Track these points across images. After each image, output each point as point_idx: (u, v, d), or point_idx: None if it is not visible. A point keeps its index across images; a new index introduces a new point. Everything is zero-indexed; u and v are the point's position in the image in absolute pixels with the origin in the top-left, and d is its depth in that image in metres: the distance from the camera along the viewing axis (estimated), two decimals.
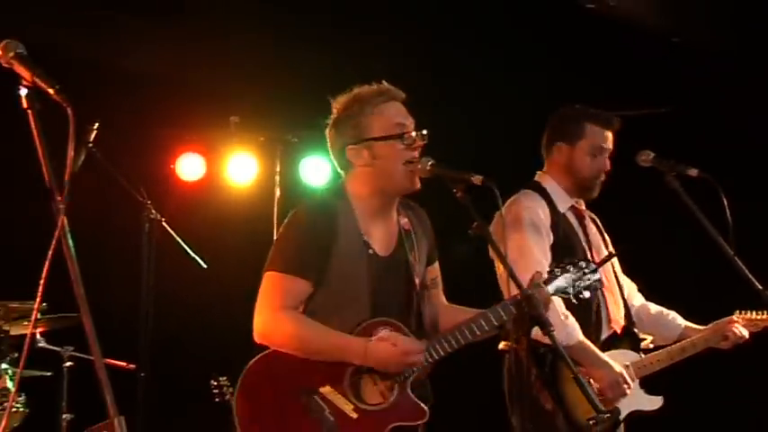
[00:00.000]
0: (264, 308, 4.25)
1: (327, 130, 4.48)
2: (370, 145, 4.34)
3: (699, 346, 5.38)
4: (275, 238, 4.47)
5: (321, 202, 4.46)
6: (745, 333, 5.39)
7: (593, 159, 5.28)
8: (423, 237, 4.55)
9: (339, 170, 4.50)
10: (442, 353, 4.26)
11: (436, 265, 4.63)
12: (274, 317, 4.22)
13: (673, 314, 5.55)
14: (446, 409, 4.48)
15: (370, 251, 4.36)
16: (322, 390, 4.17)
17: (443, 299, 4.64)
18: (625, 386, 5.03)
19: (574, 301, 4.45)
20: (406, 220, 4.51)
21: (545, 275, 4.38)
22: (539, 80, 7.94)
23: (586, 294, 4.44)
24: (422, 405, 4.26)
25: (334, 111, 4.46)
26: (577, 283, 4.41)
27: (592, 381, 4.98)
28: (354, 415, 4.17)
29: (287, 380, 4.18)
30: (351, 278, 4.30)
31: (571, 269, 4.40)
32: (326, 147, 4.54)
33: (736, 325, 5.39)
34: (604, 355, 5.05)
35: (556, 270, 4.38)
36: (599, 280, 4.52)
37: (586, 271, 4.42)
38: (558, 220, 5.19)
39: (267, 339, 4.25)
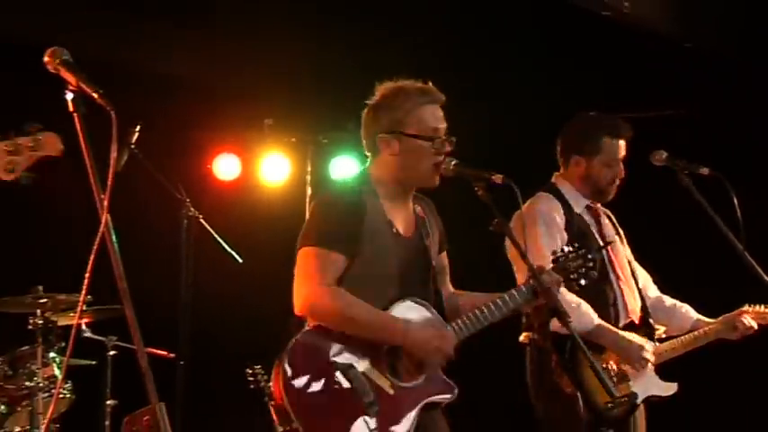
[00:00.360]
0: (307, 283, 4.21)
1: (365, 112, 4.45)
2: (401, 138, 4.33)
3: (710, 337, 5.39)
4: (307, 217, 4.46)
5: (347, 185, 4.48)
6: (754, 324, 5.39)
7: (609, 169, 5.26)
8: (434, 225, 4.56)
9: (366, 152, 4.49)
10: (465, 333, 4.28)
11: (445, 253, 4.63)
12: (319, 292, 4.18)
13: (686, 307, 5.54)
14: (473, 401, 4.48)
15: (395, 230, 4.37)
16: (362, 366, 4.17)
17: (450, 286, 4.63)
18: (647, 354, 5.06)
19: (575, 287, 4.48)
20: (419, 208, 4.52)
21: (550, 265, 4.41)
22: (555, 83, 7.93)
23: (582, 282, 4.47)
24: (451, 382, 4.30)
25: (377, 95, 4.43)
26: (580, 270, 4.44)
27: (610, 365, 5.00)
28: (391, 391, 4.18)
29: (329, 356, 4.16)
30: (379, 255, 4.30)
31: (572, 257, 4.43)
32: (354, 148, 4.55)
33: (745, 316, 5.39)
34: (623, 332, 5.08)
35: (560, 257, 4.39)
36: (594, 268, 4.53)
37: (589, 257, 4.46)
38: (572, 220, 5.18)
39: (311, 313, 4.21)
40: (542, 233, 5.06)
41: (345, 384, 4.12)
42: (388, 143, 4.37)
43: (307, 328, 4.22)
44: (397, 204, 4.43)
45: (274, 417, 4.23)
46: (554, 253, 4.38)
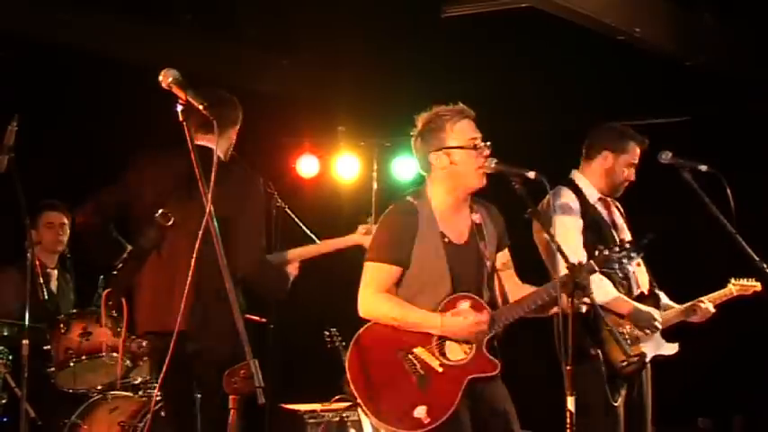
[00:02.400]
0: (366, 292, 4.29)
1: (413, 140, 4.44)
2: (449, 152, 4.31)
3: (680, 318, 5.25)
4: (373, 231, 4.48)
5: (404, 205, 4.40)
6: (711, 309, 5.27)
7: (627, 169, 5.21)
8: (493, 228, 4.48)
9: (422, 172, 4.46)
10: (509, 320, 4.30)
11: (506, 250, 4.55)
12: (373, 299, 4.26)
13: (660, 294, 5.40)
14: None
15: (446, 239, 4.32)
16: (415, 350, 4.21)
17: (516, 279, 4.56)
18: (656, 323, 5.01)
19: (619, 274, 4.57)
20: (477, 215, 4.45)
21: (592, 261, 4.32)
22: (578, 95, 7.90)
23: (630, 269, 4.57)
24: (494, 359, 4.28)
25: (419, 124, 4.41)
26: (623, 261, 4.33)
27: (626, 329, 4.95)
28: (440, 369, 4.20)
29: (388, 343, 4.23)
30: (431, 262, 4.29)
31: (617, 250, 4.32)
32: (412, 150, 4.51)
33: (703, 303, 5.27)
34: (637, 303, 5.02)
35: (605, 251, 4.30)
36: (633, 260, 4.45)
37: (630, 250, 4.34)
38: (586, 209, 5.11)
39: (369, 315, 4.29)
40: (565, 218, 4.99)
41: (400, 365, 4.19)
42: (438, 159, 4.34)
43: (370, 323, 4.29)
44: (452, 215, 4.39)
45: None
46: (598, 248, 4.31)
